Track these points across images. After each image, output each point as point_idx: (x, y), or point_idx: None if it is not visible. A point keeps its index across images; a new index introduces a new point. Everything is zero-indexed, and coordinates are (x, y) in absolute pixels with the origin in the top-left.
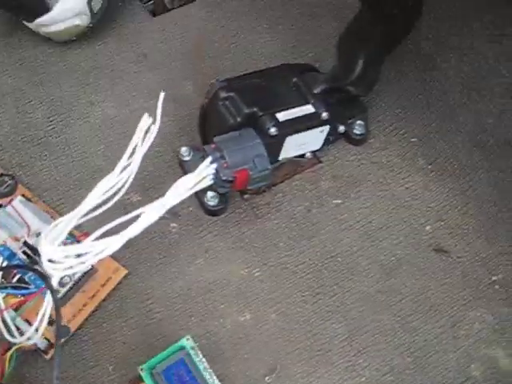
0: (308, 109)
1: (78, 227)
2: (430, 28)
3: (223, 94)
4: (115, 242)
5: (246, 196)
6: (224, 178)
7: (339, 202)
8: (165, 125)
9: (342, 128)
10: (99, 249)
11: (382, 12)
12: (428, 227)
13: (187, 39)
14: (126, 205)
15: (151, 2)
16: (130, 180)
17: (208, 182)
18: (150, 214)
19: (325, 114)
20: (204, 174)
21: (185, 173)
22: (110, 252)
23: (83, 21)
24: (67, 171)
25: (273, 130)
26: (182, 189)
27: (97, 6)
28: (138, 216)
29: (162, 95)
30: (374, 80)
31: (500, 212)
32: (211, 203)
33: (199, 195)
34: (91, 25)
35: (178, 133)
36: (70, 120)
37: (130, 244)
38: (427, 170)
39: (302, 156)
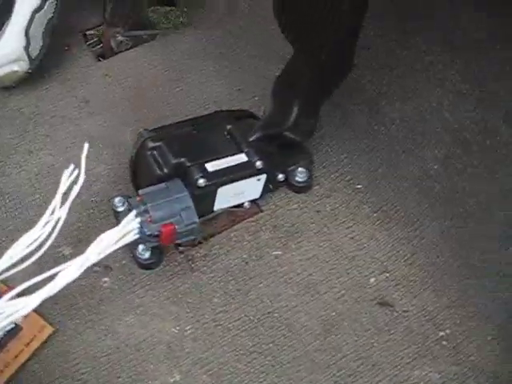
0: (241, 158)
1: (4, 281)
2: (373, 71)
3: (151, 144)
4: (31, 302)
5: (181, 248)
6: (148, 233)
7: (279, 253)
8: (101, 174)
9: (281, 176)
10: (13, 309)
11: (312, 58)
12: (372, 279)
13: (131, 84)
14: (56, 258)
15: (100, 46)
16: (55, 233)
17: (133, 236)
18: (69, 271)
19: (259, 163)
20: (128, 228)
21: (118, 224)
22: (24, 312)
23: (21, 67)
24: (1, 223)
25: (201, 182)
26: (105, 244)
27: (35, 52)
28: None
29: (86, 146)
30: (312, 125)
31: (447, 263)
32: (143, 257)
33: (131, 248)
34: (30, 70)
35: (115, 182)
36: (7, 168)
37: (59, 299)
38: (373, 219)
39: (241, 205)
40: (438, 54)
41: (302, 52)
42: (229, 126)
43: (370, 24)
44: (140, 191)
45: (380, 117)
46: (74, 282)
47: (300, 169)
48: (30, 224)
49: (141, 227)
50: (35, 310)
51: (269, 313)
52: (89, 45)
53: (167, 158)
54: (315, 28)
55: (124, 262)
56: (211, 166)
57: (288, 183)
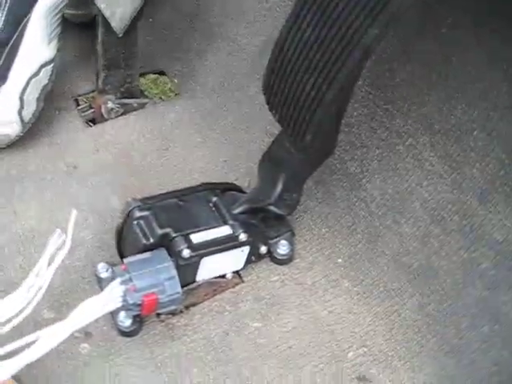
0: (225, 230)
1: None
2: (355, 149)
3: (138, 214)
4: (9, 368)
5: (162, 317)
6: (131, 302)
7: (259, 325)
8: (86, 239)
9: (264, 248)
10: None
11: (297, 138)
12: (351, 354)
13: (119, 151)
14: (37, 321)
15: (91, 111)
16: (39, 297)
17: (116, 304)
18: (51, 338)
19: (243, 236)
20: (112, 295)
21: (101, 290)
22: (2, 378)
23: (14, 130)
24: None
25: (186, 253)
26: (88, 311)
27: (28, 116)
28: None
29: (74, 213)
30: (296, 200)
31: (424, 338)
32: (124, 324)
33: (113, 315)
34: (22, 134)
35: (99, 247)
36: None
37: (35, 364)
38: (352, 293)
39: (223, 276)
40: (418, 136)
41: (288, 132)
42: (214, 198)
43: (355, 104)
44: (125, 260)
45: (361, 193)
46: None
47: (282, 241)
48: (12, 286)
49: (124, 295)
50: (12, 376)
51: None
52: (79, 110)
53: (153, 228)
54: (300, 112)
55: (105, 327)
56: (196, 238)
57: (270, 255)
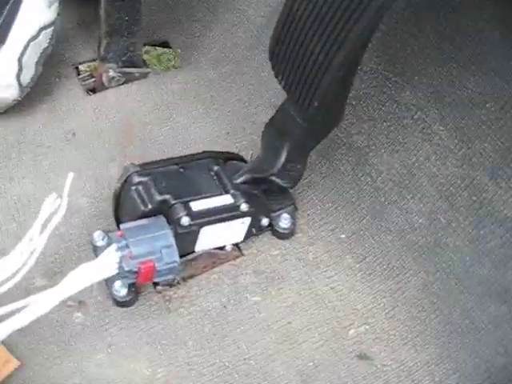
0: (226, 199)
1: None
2: (362, 122)
3: (136, 179)
4: None
5: (158, 288)
6: (127, 269)
7: (258, 299)
8: (83, 206)
9: (265, 221)
10: None
11: (303, 106)
12: (352, 331)
13: (119, 120)
14: (29, 288)
15: (91, 80)
16: (31, 263)
17: (112, 271)
18: (42, 304)
19: (244, 206)
20: (108, 262)
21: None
22: None
23: (11, 94)
24: None
25: (185, 220)
26: (82, 277)
27: (26, 80)
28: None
29: (70, 175)
30: (299, 172)
31: (428, 318)
32: (119, 294)
33: (108, 284)
34: (20, 98)
35: (96, 215)
36: None
37: (27, 332)
38: (355, 269)
39: (223, 248)
40: (428, 109)
41: (294, 99)
42: (216, 167)
43: (363, 76)
44: (121, 225)
45: (367, 168)
46: (45, 315)
47: (284, 215)
48: (5, 252)
49: (120, 262)
50: (2, 342)
51: (245, 359)
52: (80, 78)
53: (152, 194)
54: (308, 77)
55: (99, 297)
56: (196, 206)
57: (271, 228)
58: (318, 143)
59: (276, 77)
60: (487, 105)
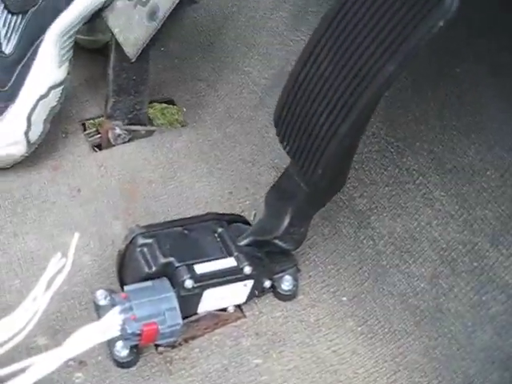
0: (230, 262)
1: None
2: (365, 185)
3: (141, 241)
4: None
5: (160, 349)
6: (130, 331)
7: (260, 361)
8: (86, 264)
9: (267, 283)
10: None
11: (308, 172)
12: None
13: (124, 177)
14: (30, 348)
15: (97, 136)
16: (34, 322)
17: (114, 333)
18: (44, 364)
19: (247, 269)
20: (111, 324)
21: (99, 318)
22: None
23: (19, 150)
24: None
25: (188, 283)
26: (84, 338)
27: (34, 137)
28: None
29: (76, 236)
30: (302, 235)
31: (430, 383)
32: (120, 354)
33: (109, 344)
34: (27, 154)
35: (99, 274)
36: None
37: None
38: (357, 333)
39: (225, 309)
40: (429, 174)
41: (298, 165)
42: (220, 229)
43: (366, 140)
44: (126, 288)
45: (369, 231)
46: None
47: (286, 277)
48: (7, 310)
49: (123, 324)
50: None
51: None
52: (86, 134)
53: (156, 256)
54: (312, 145)
55: (100, 358)
56: (200, 268)
57: (274, 290)
58: (321, 207)
59: (281, 142)
60: (487, 172)
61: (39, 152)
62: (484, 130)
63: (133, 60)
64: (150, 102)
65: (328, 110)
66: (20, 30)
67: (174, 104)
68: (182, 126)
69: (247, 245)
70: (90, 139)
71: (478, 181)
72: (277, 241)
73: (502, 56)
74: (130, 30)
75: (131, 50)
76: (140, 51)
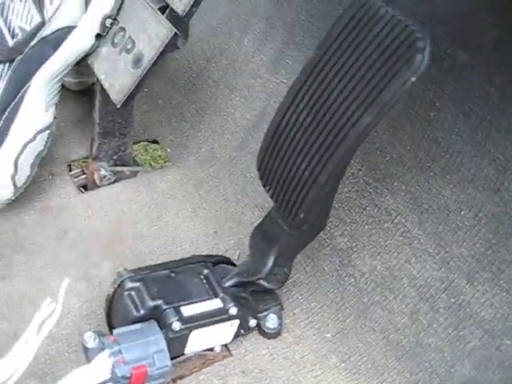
0: (216, 303)
1: None
2: (345, 224)
3: (129, 285)
4: None
5: None
6: (120, 375)
7: None
8: (74, 306)
9: (253, 322)
10: None
11: (290, 215)
12: None
13: (110, 218)
14: None
15: (84, 176)
16: (25, 365)
17: (104, 376)
18: None
19: (233, 310)
20: (100, 367)
21: (88, 361)
22: None
23: (5, 194)
24: None
25: (176, 325)
26: (74, 382)
27: (21, 181)
28: None
29: (66, 281)
30: (286, 274)
31: None
32: None
33: None
34: (13, 198)
35: (87, 315)
36: None
37: None
38: (340, 369)
39: (212, 349)
40: (407, 214)
41: (281, 209)
42: (205, 271)
43: (344, 181)
44: (115, 331)
45: (350, 269)
46: None
47: (271, 315)
48: None
49: (113, 368)
50: None
51: None
52: (72, 175)
53: (144, 300)
54: (294, 191)
55: None
56: (187, 310)
57: (259, 328)
58: (303, 248)
59: (264, 186)
60: (462, 212)
61: (26, 193)
62: (458, 171)
63: (118, 106)
64: (135, 143)
65: (308, 159)
66: (7, 76)
67: (158, 143)
68: (165, 161)
69: (232, 285)
70: (75, 180)
71: (454, 220)
72: (261, 281)
73: (473, 100)
74: (116, 76)
75: (117, 96)
76: (125, 98)
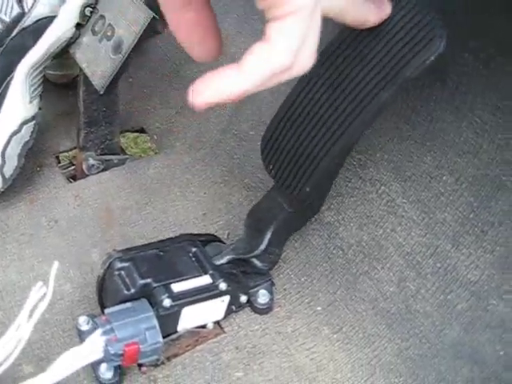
0: (205, 279)
1: None
2: (331, 198)
3: (119, 265)
4: None
5: (143, 368)
6: (113, 352)
7: (241, 374)
8: (67, 292)
9: (244, 298)
10: None
11: (291, 196)
12: None
13: (100, 206)
14: (16, 377)
15: (71, 168)
16: (17, 351)
17: (98, 355)
18: None
19: (223, 285)
20: (93, 346)
21: (82, 343)
22: None
23: None
24: None
25: (167, 302)
26: (68, 363)
27: (9, 172)
28: None
29: (55, 264)
30: (277, 256)
31: (405, 383)
32: (105, 376)
33: (93, 367)
34: (2, 189)
35: (80, 301)
36: None
37: None
38: (332, 340)
39: (204, 326)
40: (390, 183)
41: (284, 186)
42: (194, 249)
43: None
44: (106, 310)
45: (337, 242)
46: None
47: (262, 291)
48: None
49: (106, 346)
50: None
51: None
52: (61, 166)
53: (134, 279)
54: (303, 164)
55: (85, 381)
56: (176, 287)
57: (250, 305)
58: (296, 230)
59: (266, 166)
60: (444, 177)
61: (15, 186)
62: (438, 137)
63: (101, 92)
64: (122, 132)
65: (322, 133)
66: None
67: (145, 132)
68: (156, 153)
69: (225, 263)
70: (64, 171)
71: (436, 186)
72: (254, 259)
73: (452, 70)
74: (97, 63)
75: (99, 82)
76: (108, 83)
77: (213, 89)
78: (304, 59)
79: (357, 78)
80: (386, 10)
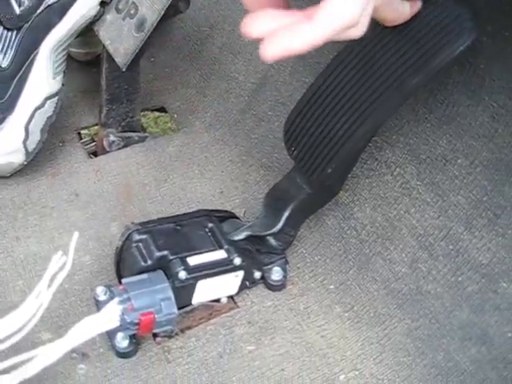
0: (221, 254)
1: None
2: (347, 179)
3: (136, 237)
4: (4, 383)
5: (158, 339)
6: (129, 320)
7: (253, 348)
8: (86, 263)
9: (258, 274)
10: None
11: (312, 177)
12: (342, 377)
13: (119, 181)
14: (35, 343)
15: (93, 144)
16: (37, 317)
17: (114, 323)
18: (47, 355)
19: (237, 260)
20: (110, 314)
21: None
22: None
23: (18, 159)
24: None
25: (182, 274)
26: (86, 329)
27: (32, 146)
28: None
29: (75, 235)
30: (292, 237)
31: (414, 362)
32: (121, 345)
33: (110, 336)
34: (25, 163)
35: (98, 272)
36: None
37: (33, 383)
38: (344, 318)
39: (218, 300)
40: (406, 166)
41: (306, 167)
42: (210, 224)
43: None
44: (123, 280)
45: (352, 222)
46: (50, 367)
47: (276, 268)
48: (12, 308)
49: (122, 314)
50: None
51: None
52: (82, 143)
53: (151, 251)
54: (326, 146)
55: (101, 349)
56: (192, 260)
57: (264, 281)
58: (316, 211)
59: (288, 149)
60: (458, 160)
61: (38, 160)
62: (454, 121)
63: (123, 69)
64: (143, 110)
65: (348, 115)
66: (15, 44)
67: (165, 111)
68: (175, 132)
69: (242, 239)
70: (85, 147)
71: (451, 169)
72: (270, 238)
73: (469, 55)
74: (120, 41)
75: (121, 60)
76: (130, 61)
77: (285, 42)
78: (364, 21)
79: (385, 64)
80: (418, 4)
